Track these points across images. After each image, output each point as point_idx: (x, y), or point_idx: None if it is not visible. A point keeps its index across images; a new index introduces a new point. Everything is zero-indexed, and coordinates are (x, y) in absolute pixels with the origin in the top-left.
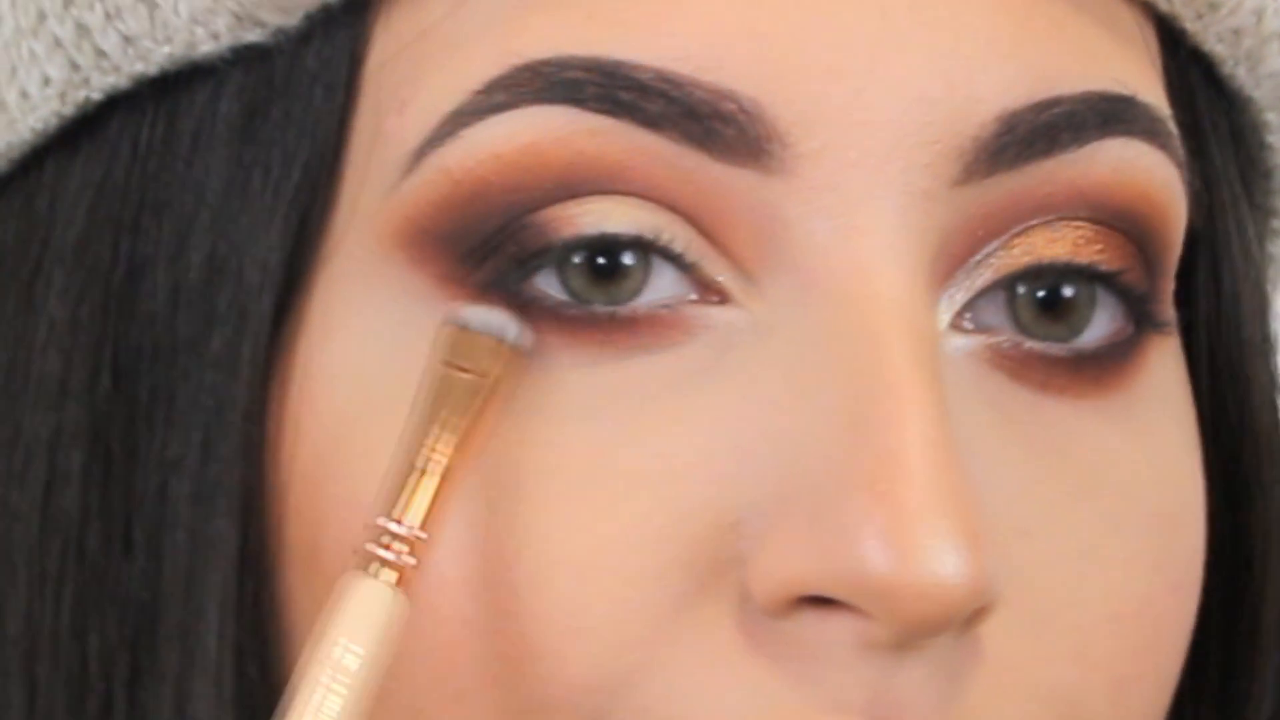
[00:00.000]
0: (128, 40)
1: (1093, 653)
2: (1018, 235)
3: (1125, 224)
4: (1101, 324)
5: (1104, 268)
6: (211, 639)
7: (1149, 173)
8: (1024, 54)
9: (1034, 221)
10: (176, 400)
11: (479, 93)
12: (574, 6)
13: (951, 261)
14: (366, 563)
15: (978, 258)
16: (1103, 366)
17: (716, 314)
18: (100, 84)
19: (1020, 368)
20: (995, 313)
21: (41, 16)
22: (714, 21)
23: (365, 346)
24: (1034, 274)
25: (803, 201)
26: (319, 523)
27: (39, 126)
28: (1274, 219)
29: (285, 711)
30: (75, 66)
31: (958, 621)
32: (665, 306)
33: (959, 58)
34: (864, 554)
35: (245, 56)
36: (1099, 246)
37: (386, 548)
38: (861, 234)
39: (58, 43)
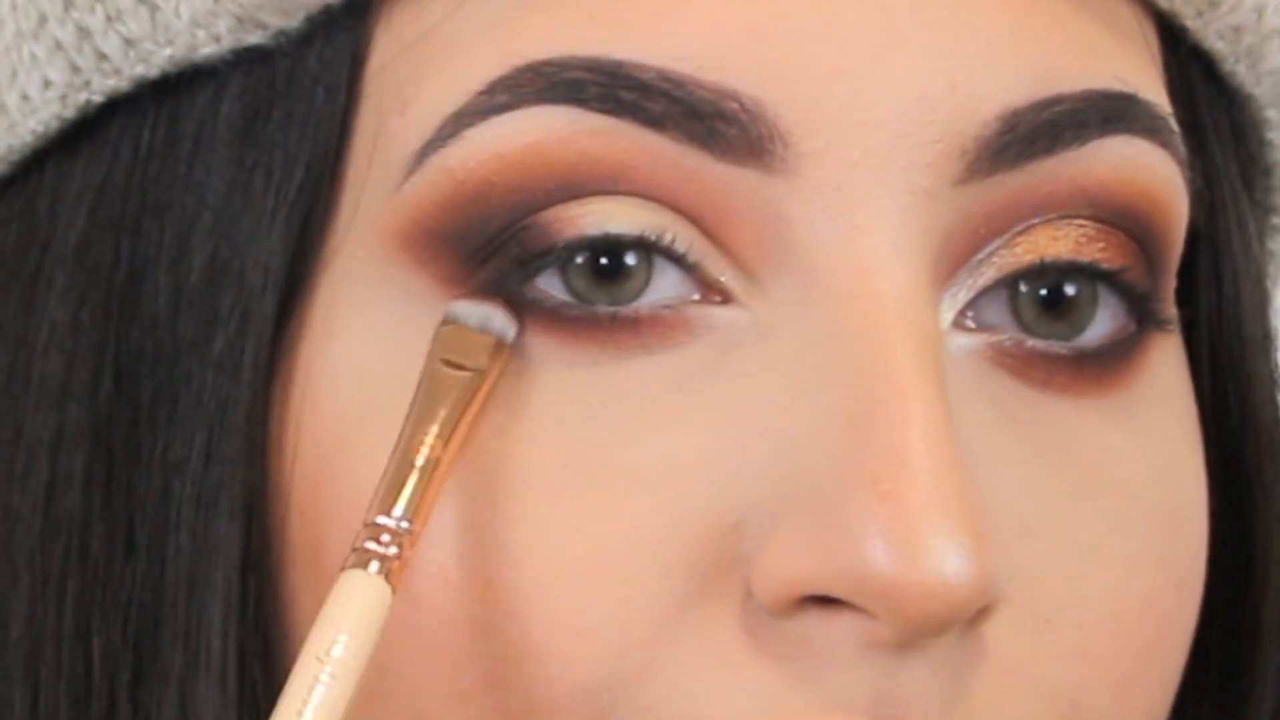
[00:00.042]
0: (129, 43)
1: (1095, 651)
2: (1020, 234)
3: (1127, 222)
4: (1103, 322)
5: (1106, 266)
6: (215, 640)
7: (1150, 170)
8: (1025, 52)
9: (1036, 220)
10: (179, 402)
11: (481, 93)
12: (575, 6)
13: (954, 260)
14: (364, 560)
15: (980, 256)
16: (1104, 365)
17: (719, 314)
18: (101, 86)
19: (1022, 366)
20: (997, 311)
21: (42, 19)
22: (716, 21)
23: (368, 347)
24: (1036, 272)
25: (805, 201)
26: (322, 523)
27: (40, 129)
28: (1274, 216)
29: (277, 704)
30: (76, 69)
31: (961, 621)
32: (668, 307)
33: (960, 57)
34: (867, 554)
35: (246, 58)
36: (1101, 245)
37: (369, 540)
38: (864, 233)
39: (58, 45)
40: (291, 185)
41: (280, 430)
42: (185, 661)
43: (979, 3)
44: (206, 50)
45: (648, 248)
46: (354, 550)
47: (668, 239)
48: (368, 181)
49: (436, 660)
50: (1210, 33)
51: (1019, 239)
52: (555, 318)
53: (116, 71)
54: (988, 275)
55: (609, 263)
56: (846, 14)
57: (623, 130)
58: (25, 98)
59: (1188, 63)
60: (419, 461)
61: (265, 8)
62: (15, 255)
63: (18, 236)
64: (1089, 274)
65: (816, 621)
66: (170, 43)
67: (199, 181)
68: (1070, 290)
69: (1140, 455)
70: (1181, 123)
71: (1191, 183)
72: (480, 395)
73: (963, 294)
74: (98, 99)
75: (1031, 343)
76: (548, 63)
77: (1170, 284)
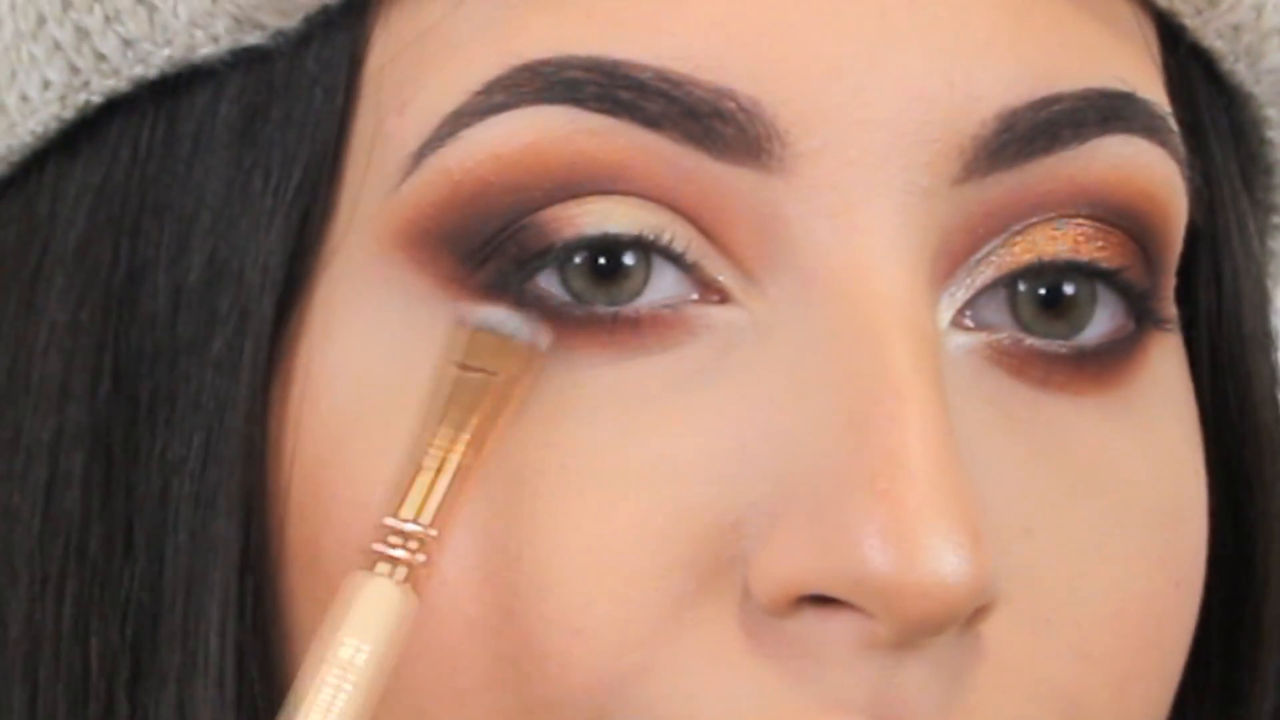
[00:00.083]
0: (127, 43)
1: (1094, 650)
2: (1018, 233)
3: (1126, 221)
4: (1102, 321)
5: (1105, 265)
6: (213, 640)
7: (1149, 169)
8: (1023, 51)
9: (1034, 219)
10: (177, 402)
11: (479, 93)
12: (573, 6)
13: (952, 259)
14: (373, 562)
15: (978, 256)
16: (1103, 364)
17: (717, 314)
18: (100, 87)
19: (1021, 365)
20: (996, 310)
21: (41, 20)
22: (713, 20)
23: (366, 348)
24: (1035, 271)
25: (803, 200)
26: (321, 524)
27: (39, 130)
28: (1274, 215)
29: (294, 712)
30: (75, 70)
31: (959, 620)
32: (667, 306)
33: (958, 56)
34: (865, 553)
35: (245, 59)
36: (1100, 244)
37: (394, 546)
38: (862, 233)
39: (57, 46)
40: (290, 185)
41: (279, 430)
42: (183, 661)
43: (977, 2)
44: (205, 51)
45: (646, 247)
46: (362, 551)
47: (666, 238)
48: (366, 182)
49: (435, 660)
50: (1209, 31)
51: (1017, 238)
52: (554, 318)
53: (115, 72)
54: (986, 274)
55: (607, 263)
56: (844, 13)
57: (620, 130)
58: (24, 98)
59: (1187, 62)
60: (439, 465)
61: (263, 8)
62: (15, 255)
63: (17, 237)
64: (1088, 273)
65: (814, 621)
66: (168, 43)
67: (198, 182)
68: (1069, 289)
69: (1140, 454)
70: (1181, 122)
71: (1191, 181)
72: (506, 402)
73: (961, 293)
74: (97, 99)
75: (1030, 341)
76: (545, 62)
77: (1169, 283)
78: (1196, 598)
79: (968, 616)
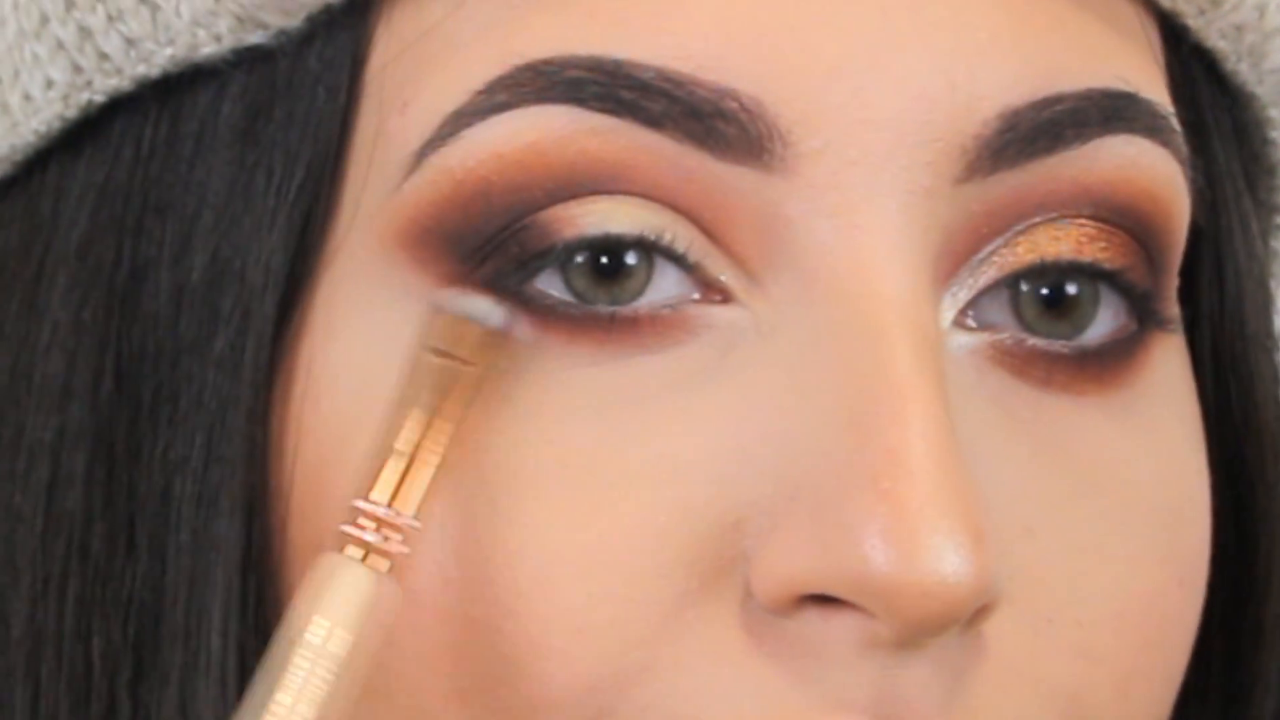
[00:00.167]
0: (130, 42)
1: (1097, 649)
2: (1021, 233)
3: (1128, 221)
4: (1105, 321)
5: (1108, 266)
6: (215, 639)
7: (1152, 169)
8: (1025, 51)
9: (1037, 219)
10: (180, 401)
11: (480, 93)
12: (575, 6)
13: (954, 259)
14: (341, 544)
15: (980, 255)
16: (1105, 364)
17: (719, 313)
18: (103, 86)
19: (1023, 365)
20: (998, 310)
21: (44, 19)
22: (715, 20)
23: (368, 347)
24: (1037, 272)
25: (805, 200)
26: (323, 523)
27: (42, 129)
28: (1277, 215)
29: (253, 686)
30: (78, 69)
31: (961, 620)
32: (668, 306)
33: (960, 55)
34: (866, 553)
35: (247, 58)
36: (1102, 244)
37: (362, 529)
38: (864, 232)
39: (60, 45)
40: (292, 185)
41: (281, 430)
42: (185, 661)
43: (979, 1)
44: (207, 50)
45: (648, 248)
46: (339, 535)
47: (667, 239)
48: (368, 181)
49: (437, 659)
50: (1212, 31)
51: (1020, 238)
52: (555, 317)
53: (118, 71)
54: (988, 275)
55: (609, 262)
56: (846, 13)
57: (622, 130)
58: (28, 97)
59: (1190, 62)
60: (406, 450)
61: (266, 7)
62: (18, 255)
63: (20, 236)
64: (1090, 274)
65: (816, 620)
66: (171, 42)
67: (200, 181)
68: (1072, 289)
69: (1142, 454)
70: (1184, 122)
71: (1193, 182)
72: (480, 387)
73: (963, 293)
74: (100, 99)
75: (1032, 341)
76: (547, 62)
77: (1172, 283)
78: (1199, 598)
79: (969, 616)
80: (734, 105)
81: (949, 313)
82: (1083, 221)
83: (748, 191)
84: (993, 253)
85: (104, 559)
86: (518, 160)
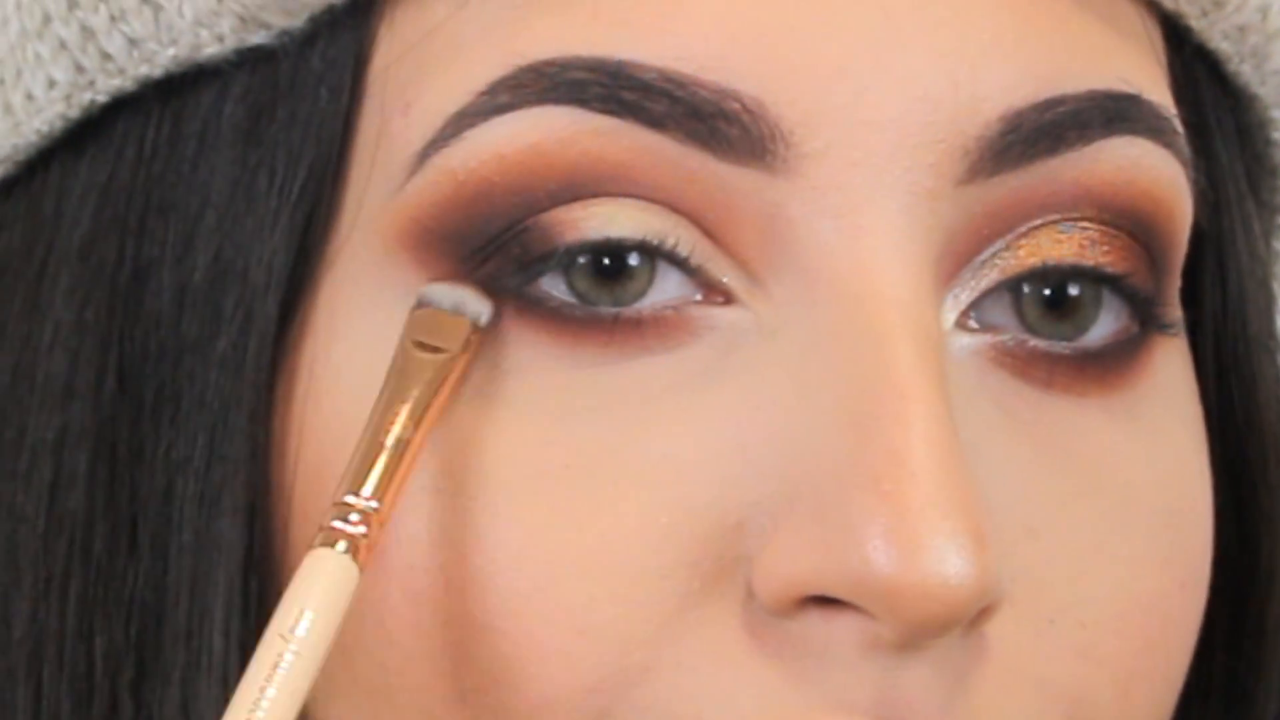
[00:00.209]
0: (132, 42)
1: (1099, 650)
2: (1023, 235)
3: (1131, 223)
4: (1107, 323)
5: (1110, 270)
6: (217, 639)
7: (1154, 171)
8: (1028, 53)
9: (1039, 221)
10: (182, 401)
11: (483, 94)
12: (578, 7)
13: (956, 260)
14: (331, 540)
15: (983, 257)
16: (1107, 365)
17: (721, 315)
18: (105, 86)
19: (1025, 366)
20: (1001, 312)
21: (46, 19)
22: (717, 21)
23: (370, 347)
24: (1040, 274)
25: (807, 201)
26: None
27: (44, 129)
28: (1279, 216)
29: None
30: (80, 69)
31: (962, 622)
32: (670, 308)
33: (963, 57)
34: (868, 554)
35: (250, 58)
36: (1105, 248)
37: (349, 522)
38: (866, 233)
39: (63, 45)
40: (295, 185)
41: (283, 430)
42: (187, 660)
43: (982, 3)
44: (210, 50)
45: (650, 252)
46: (321, 529)
47: (670, 243)
48: (370, 181)
49: (438, 659)
50: (1215, 33)
51: (1022, 241)
52: (558, 318)
53: (121, 71)
54: (991, 276)
55: (612, 264)
56: (849, 14)
57: (624, 131)
58: (30, 97)
59: (1192, 63)
60: (389, 442)
61: (269, 7)
62: (20, 255)
63: (23, 236)
64: (1093, 278)
65: (818, 621)
66: (174, 42)
67: (203, 181)
68: (1074, 291)
69: (1144, 455)
70: (1186, 123)
71: (1196, 183)
72: (452, 378)
73: (965, 294)
74: (102, 99)
75: (1034, 343)
76: (550, 63)
77: (1174, 285)
78: (1201, 599)
79: (971, 617)
80: (736, 106)
81: (951, 314)
82: (1085, 225)
83: (750, 192)
84: (995, 255)
85: (106, 559)
86: (520, 161)
